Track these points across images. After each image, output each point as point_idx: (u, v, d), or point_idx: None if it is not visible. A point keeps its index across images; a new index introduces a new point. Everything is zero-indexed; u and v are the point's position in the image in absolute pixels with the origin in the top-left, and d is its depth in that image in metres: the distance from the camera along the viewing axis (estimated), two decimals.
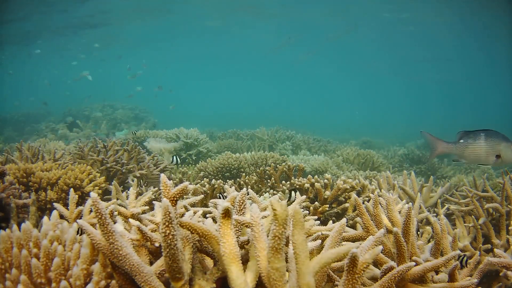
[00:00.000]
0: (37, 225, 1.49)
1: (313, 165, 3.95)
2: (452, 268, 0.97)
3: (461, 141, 1.94)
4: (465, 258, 1.15)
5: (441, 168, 4.68)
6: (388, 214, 1.20)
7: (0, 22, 11.30)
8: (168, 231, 0.70)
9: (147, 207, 1.19)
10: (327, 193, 1.91)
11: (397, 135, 12.21)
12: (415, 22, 13.78)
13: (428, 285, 0.99)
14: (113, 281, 0.81)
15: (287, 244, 0.88)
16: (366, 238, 0.96)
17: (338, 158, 4.56)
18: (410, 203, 1.08)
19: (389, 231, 1.19)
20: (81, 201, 1.95)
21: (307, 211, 1.55)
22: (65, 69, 19.93)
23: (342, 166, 4.31)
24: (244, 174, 2.67)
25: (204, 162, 3.34)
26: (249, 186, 2.40)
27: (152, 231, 0.93)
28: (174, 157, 3.02)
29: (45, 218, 0.99)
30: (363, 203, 1.41)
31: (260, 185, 2.45)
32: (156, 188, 2.10)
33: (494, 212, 1.86)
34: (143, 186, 2.60)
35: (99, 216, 0.73)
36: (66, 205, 1.28)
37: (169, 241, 0.71)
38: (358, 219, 1.26)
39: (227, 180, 2.72)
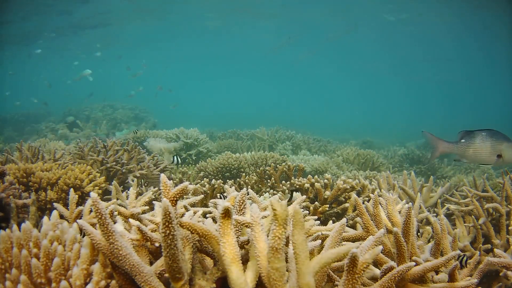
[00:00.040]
0: (37, 225, 1.49)
1: (313, 165, 3.95)
2: (452, 268, 0.97)
3: (463, 140, 1.94)
4: (465, 258, 1.15)
5: (441, 168, 4.69)
6: (388, 214, 1.20)
7: (0, 22, 11.30)
8: (168, 231, 0.70)
9: (147, 207, 1.19)
10: (327, 193, 1.91)
11: (397, 135, 12.22)
12: (415, 22, 13.79)
13: (428, 285, 0.99)
14: (113, 281, 0.81)
15: (287, 244, 0.88)
16: (366, 238, 0.96)
17: (338, 158, 4.56)
18: (410, 203, 1.08)
19: (389, 231, 1.19)
20: (81, 201, 1.95)
21: (307, 211, 1.55)
22: (66, 69, 19.94)
23: (342, 166, 4.31)
24: (244, 174, 2.67)
25: (204, 162, 3.34)
26: (249, 186, 2.40)
27: (152, 231, 0.93)
28: (175, 157, 3.02)
29: (45, 218, 0.99)
30: (363, 203, 1.41)
31: (260, 185, 2.45)
32: (156, 188, 2.10)
33: (494, 212, 1.85)
34: (143, 186, 2.60)
35: (99, 216, 0.73)
36: (66, 205, 1.28)
37: (169, 241, 0.71)
38: (358, 219, 1.27)
39: (227, 180, 2.72)
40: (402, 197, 2.18)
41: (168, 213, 0.69)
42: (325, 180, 2.01)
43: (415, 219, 1.14)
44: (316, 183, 1.94)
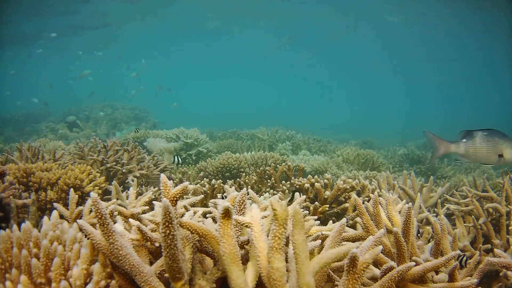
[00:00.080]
0: (37, 225, 1.49)
1: (313, 165, 3.95)
2: (452, 268, 0.97)
3: (464, 140, 1.94)
4: (465, 258, 1.15)
5: (441, 168, 4.68)
6: (388, 214, 1.20)
7: (0, 22, 11.31)
8: (168, 231, 0.70)
9: (147, 207, 1.19)
10: (327, 193, 1.91)
11: (397, 135, 12.22)
12: (415, 22, 13.79)
13: (428, 285, 0.99)
14: (113, 281, 0.81)
15: (287, 244, 0.88)
16: (366, 238, 0.96)
17: (338, 158, 4.56)
18: (410, 203, 1.08)
19: (389, 231, 1.19)
20: (81, 201, 1.95)
21: (307, 211, 1.55)
22: (66, 69, 19.95)
23: (342, 166, 4.31)
24: (244, 174, 2.67)
25: (204, 162, 3.34)
26: (249, 186, 2.40)
27: (152, 231, 0.93)
28: (176, 157, 3.02)
29: (45, 218, 0.99)
30: (363, 203, 1.41)
31: (260, 185, 2.45)
32: (156, 188, 2.10)
33: (494, 212, 1.85)
34: (143, 186, 2.60)
35: (99, 216, 0.73)
36: (66, 205, 1.28)
37: (169, 241, 0.71)
38: (358, 219, 1.26)
39: (227, 180, 2.72)
40: (402, 197, 2.18)
41: (168, 213, 0.69)
42: (325, 180, 2.01)
43: (415, 219, 1.14)
44: (316, 183, 1.94)
